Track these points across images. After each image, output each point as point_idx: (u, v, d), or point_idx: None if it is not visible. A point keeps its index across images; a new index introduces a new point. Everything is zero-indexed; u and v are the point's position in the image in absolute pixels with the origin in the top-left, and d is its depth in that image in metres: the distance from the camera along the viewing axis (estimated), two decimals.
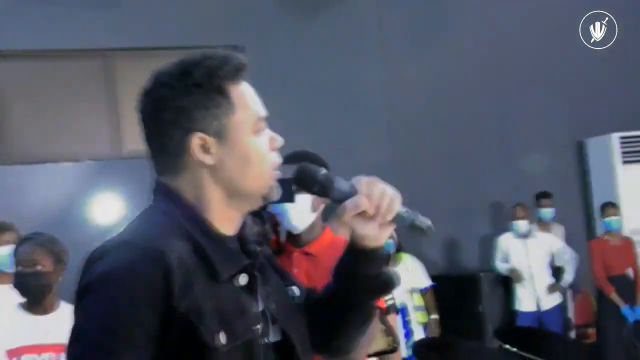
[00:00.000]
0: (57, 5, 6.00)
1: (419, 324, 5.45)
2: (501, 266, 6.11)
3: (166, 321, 1.12)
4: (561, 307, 6.22)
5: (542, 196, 6.31)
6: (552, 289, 6.10)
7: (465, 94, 6.63)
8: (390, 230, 1.30)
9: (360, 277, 1.32)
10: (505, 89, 6.71)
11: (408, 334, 5.32)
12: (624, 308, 5.82)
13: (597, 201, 6.47)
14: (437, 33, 6.52)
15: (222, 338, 1.14)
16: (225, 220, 1.26)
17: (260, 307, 1.25)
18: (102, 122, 6.25)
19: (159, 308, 1.12)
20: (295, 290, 1.39)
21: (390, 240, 5.47)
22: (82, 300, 1.17)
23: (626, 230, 6.12)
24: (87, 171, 6.10)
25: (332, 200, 1.30)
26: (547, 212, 6.33)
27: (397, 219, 1.27)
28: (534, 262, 6.01)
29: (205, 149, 1.22)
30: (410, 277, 5.36)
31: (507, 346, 4.38)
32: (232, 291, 1.21)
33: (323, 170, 1.30)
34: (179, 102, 1.22)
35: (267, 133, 1.28)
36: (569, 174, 6.91)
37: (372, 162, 5.94)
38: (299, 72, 6.33)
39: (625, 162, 6.47)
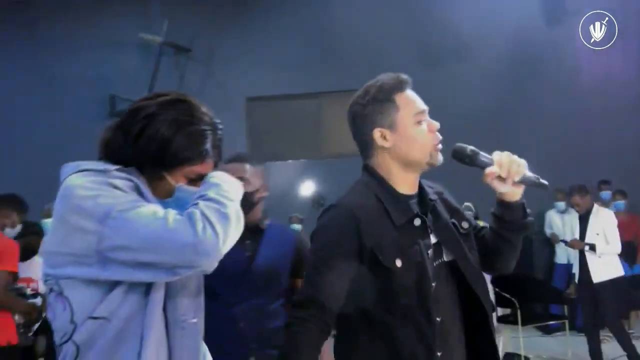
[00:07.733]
0: (285, 63, 8.79)
1: None
2: (547, 232, 8.41)
3: (359, 252, 1.59)
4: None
5: (602, 182, 7.89)
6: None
7: None
8: (520, 188, 1.69)
9: (505, 221, 1.75)
10: None
11: None
12: None
13: None
14: None
15: (398, 262, 1.59)
16: (405, 182, 1.72)
17: (434, 240, 1.69)
18: (311, 135, 9.15)
19: (353, 245, 1.60)
20: (464, 224, 1.78)
21: None
22: (311, 242, 1.70)
23: None
24: (302, 166, 9.15)
25: (478, 167, 1.68)
26: (606, 194, 7.82)
27: (524, 180, 1.66)
28: (567, 230, 7.02)
29: (383, 137, 1.70)
30: None
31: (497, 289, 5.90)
32: (409, 230, 1.66)
33: (470, 147, 1.68)
34: (364, 112, 1.72)
35: (427, 120, 1.71)
36: None
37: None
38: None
39: None
